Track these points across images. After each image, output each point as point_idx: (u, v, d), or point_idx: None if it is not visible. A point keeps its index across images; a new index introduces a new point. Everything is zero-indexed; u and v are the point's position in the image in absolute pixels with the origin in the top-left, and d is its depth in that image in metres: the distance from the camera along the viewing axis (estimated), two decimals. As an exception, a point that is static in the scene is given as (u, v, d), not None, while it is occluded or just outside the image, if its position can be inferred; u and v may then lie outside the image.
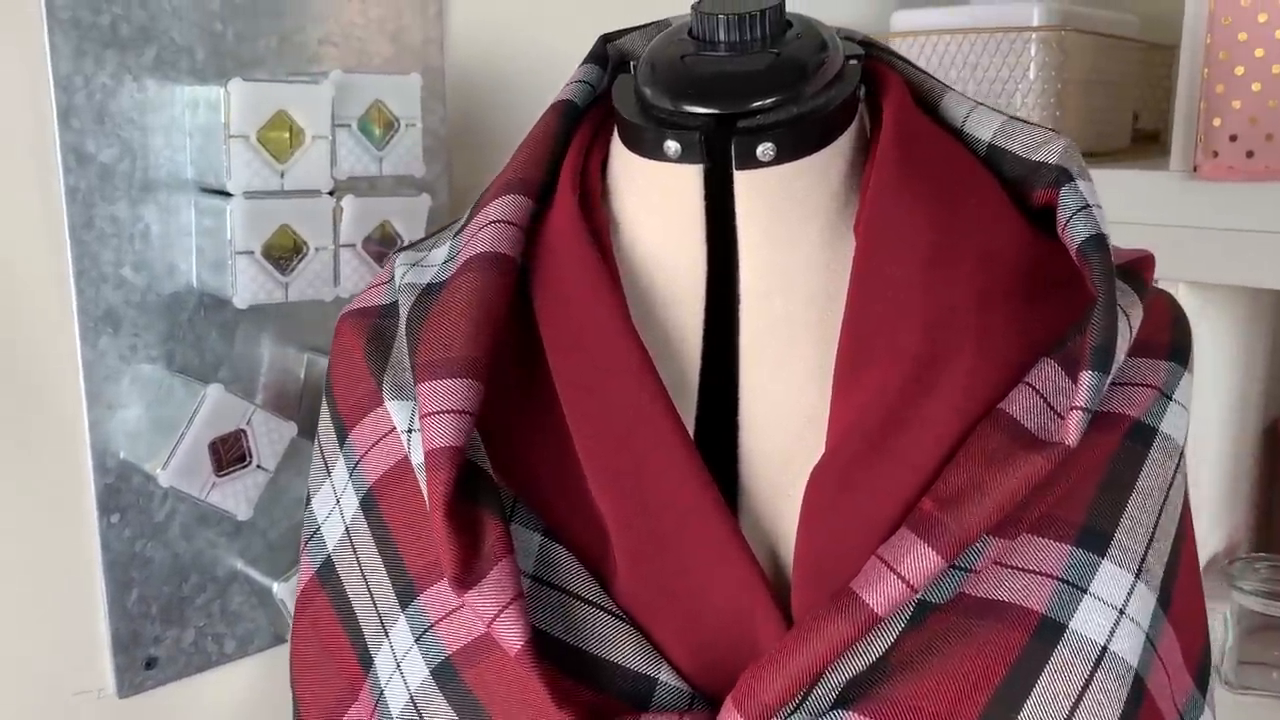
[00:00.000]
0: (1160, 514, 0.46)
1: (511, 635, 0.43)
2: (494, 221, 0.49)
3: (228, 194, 0.70)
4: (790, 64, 0.48)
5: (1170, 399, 0.48)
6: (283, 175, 0.71)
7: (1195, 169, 0.82)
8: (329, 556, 0.54)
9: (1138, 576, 0.45)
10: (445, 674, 0.47)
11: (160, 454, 0.70)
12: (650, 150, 0.49)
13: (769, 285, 0.48)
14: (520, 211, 0.50)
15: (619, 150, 0.51)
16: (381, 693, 0.50)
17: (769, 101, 0.47)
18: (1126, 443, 0.46)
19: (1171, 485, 0.47)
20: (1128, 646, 0.44)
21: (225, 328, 0.76)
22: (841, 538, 0.43)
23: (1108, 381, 0.42)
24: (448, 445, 0.44)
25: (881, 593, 0.41)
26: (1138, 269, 0.49)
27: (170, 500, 0.76)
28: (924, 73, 0.53)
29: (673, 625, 0.45)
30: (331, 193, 0.75)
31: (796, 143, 0.47)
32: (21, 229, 0.68)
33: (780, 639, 0.42)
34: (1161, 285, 0.84)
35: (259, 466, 0.74)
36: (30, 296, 0.69)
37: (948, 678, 0.42)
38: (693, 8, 0.51)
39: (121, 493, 0.73)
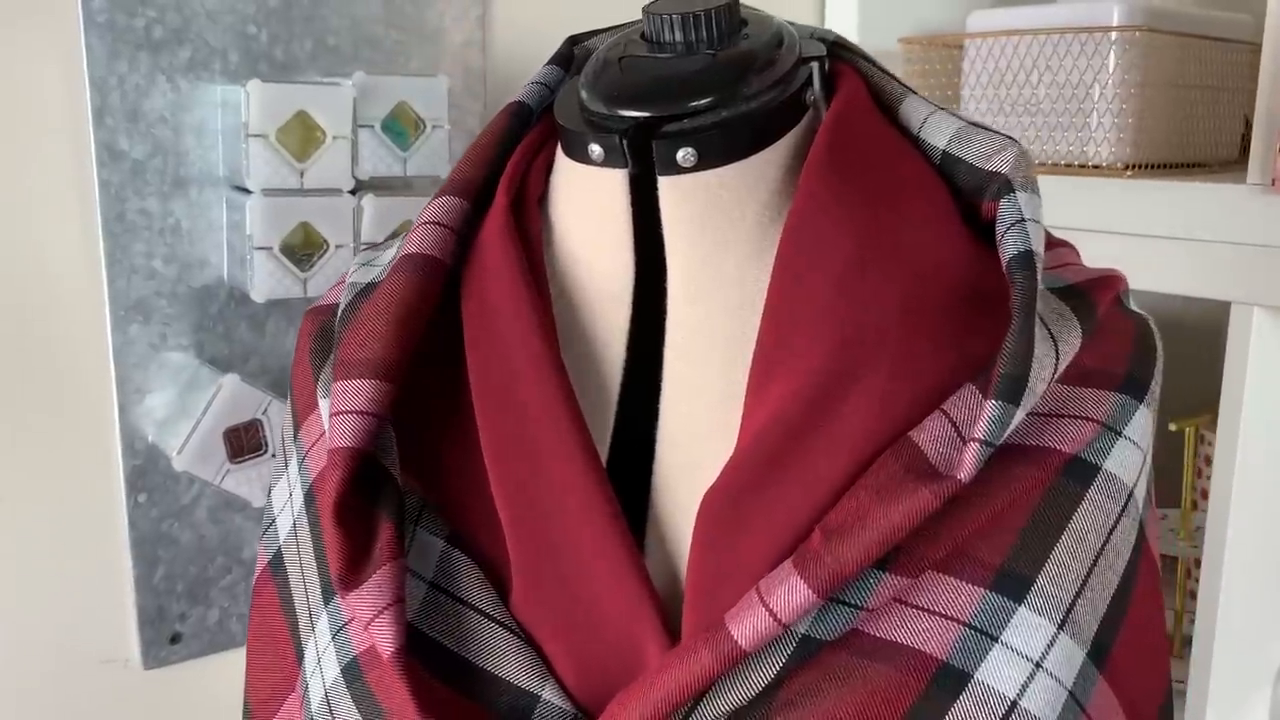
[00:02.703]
0: (1097, 560, 0.42)
1: (384, 640, 0.42)
2: (425, 223, 0.49)
3: (249, 191, 0.73)
4: (726, 66, 0.46)
5: (1120, 435, 0.43)
6: (302, 174, 0.73)
7: (1275, 182, 0.75)
8: (279, 549, 0.55)
9: (1061, 628, 0.41)
10: (352, 673, 0.47)
11: (179, 439, 0.74)
12: (579, 154, 0.48)
13: (693, 294, 0.47)
14: (453, 213, 0.49)
15: (560, 153, 0.50)
16: (307, 686, 0.51)
17: (697, 105, 0.45)
18: (1061, 481, 0.42)
19: (1114, 529, 0.43)
20: (1043, 703, 0.40)
21: (254, 320, 0.79)
22: (732, 562, 0.41)
23: (1017, 413, 0.39)
24: (345, 446, 0.44)
25: (749, 625, 0.39)
26: (1090, 291, 0.45)
27: (197, 484, 0.79)
28: (888, 75, 0.50)
29: (563, 642, 0.44)
30: (353, 192, 0.76)
31: (723, 147, 0.45)
32: (58, 221, 0.72)
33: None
34: (1236, 309, 0.78)
35: (275, 455, 0.76)
36: (65, 285, 0.73)
37: (832, 720, 0.39)
38: (643, 9, 0.49)
39: (149, 474, 0.77)
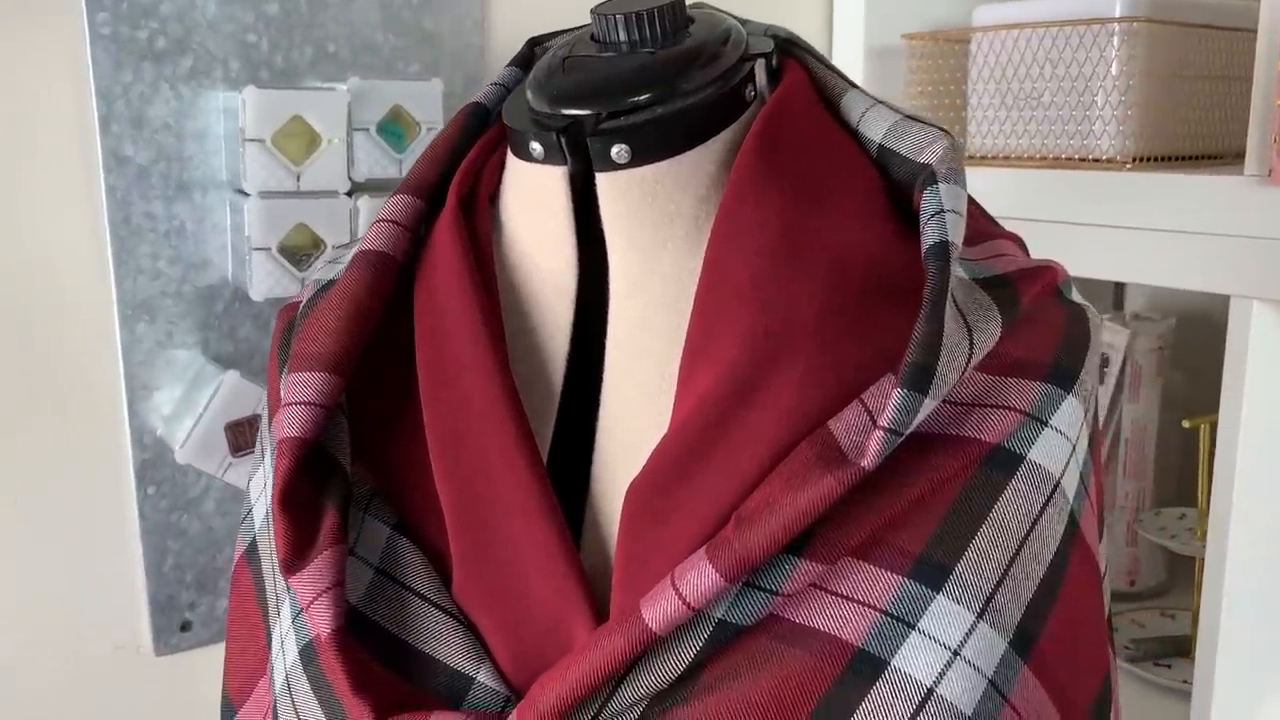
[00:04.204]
0: (1020, 550, 0.42)
1: (321, 622, 0.44)
2: (380, 221, 0.51)
3: (248, 194, 0.75)
4: (665, 63, 0.47)
5: (1045, 425, 0.43)
6: (299, 177, 0.76)
7: (1272, 174, 0.74)
8: (255, 537, 0.57)
9: (981, 617, 0.41)
10: (308, 655, 0.49)
11: (184, 434, 0.76)
12: (522, 152, 0.49)
13: (632, 287, 0.48)
14: (407, 211, 0.51)
15: (510, 152, 0.52)
16: (273, 669, 0.53)
17: (635, 102, 0.46)
18: (984, 470, 0.42)
19: (1039, 519, 0.43)
20: (960, 690, 0.40)
21: (258, 319, 0.82)
22: (656, 549, 0.42)
23: (926, 402, 0.39)
24: (292, 436, 0.46)
25: (660, 609, 0.40)
26: (1016, 281, 0.45)
27: (204, 476, 0.82)
28: (832, 70, 0.51)
29: (498, 626, 0.45)
30: (350, 194, 0.79)
31: (657, 144, 0.46)
32: (67, 225, 0.75)
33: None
34: (1235, 302, 0.76)
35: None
36: (74, 286, 0.76)
37: (748, 705, 0.40)
38: (591, 10, 0.50)
39: (158, 467, 0.80)
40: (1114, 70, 0.87)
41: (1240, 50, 0.91)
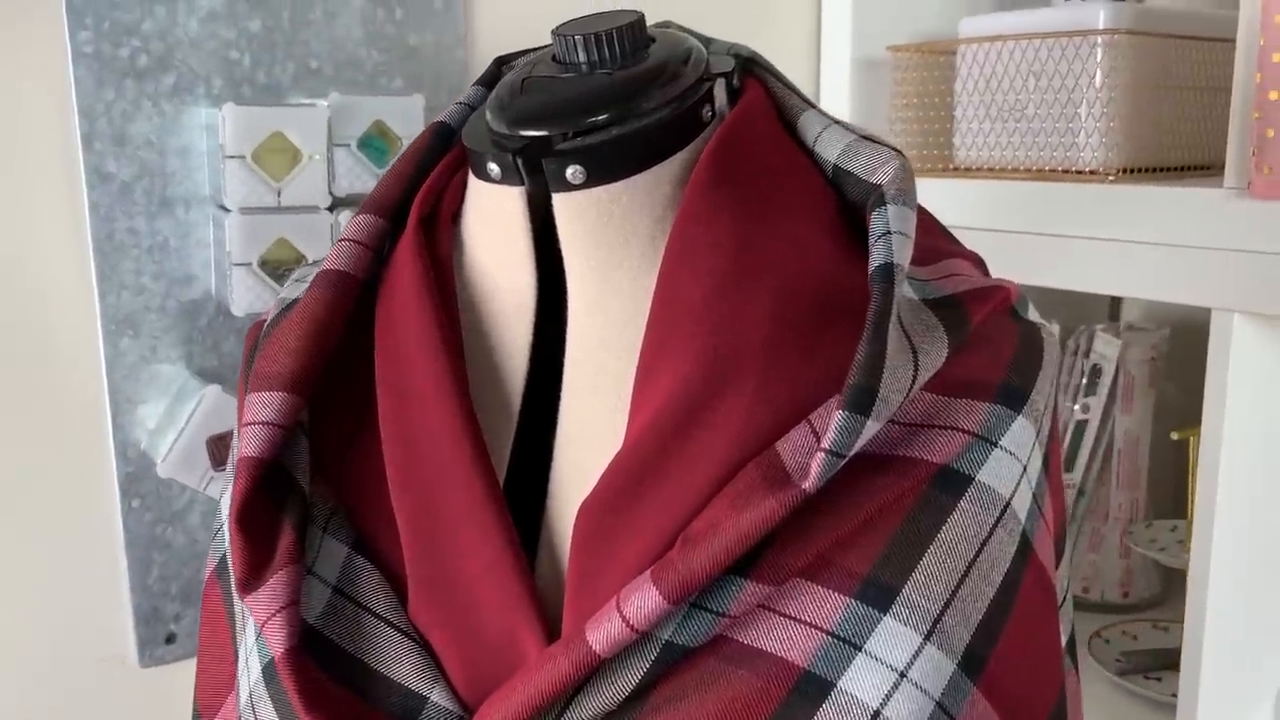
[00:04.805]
0: (968, 571, 0.42)
1: (276, 641, 0.44)
2: (342, 240, 0.51)
3: (229, 210, 0.76)
4: (622, 84, 0.48)
5: (995, 445, 0.43)
6: (279, 192, 0.76)
7: (1250, 186, 0.73)
8: (225, 554, 0.58)
9: (928, 638, 0.41)
10: (270, 674, 0.50)
11: (164, 447, 0.77)
12: (480, 172, 0.49)
13: (589, 306, 0.48)
14: (369, 230, 0.51)
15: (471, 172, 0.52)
16: (238, 684, 0.53)
17: (592, 122, 0.47)
18: (931, 491, 0.42)
19: (988, 540, 0.43)
20: (907, 712, 0.40)
21: (241, 333, 0.82)
22: (607, 569, 0.42)
23: (869, 423, 0.39)
24: (250, 455, 0.47)
25: (604, 632, 0.40)
26: (966, 302, 0.45)
27: (189, 490, 0.82)
28: (791, 90, 0.51)
29: (452, 646, 0.45)
30: (331, 208, 0.79)
31: (613, 164, 0.47)
32: (51, 241, 0.76)
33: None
34: (1216, 315, 0.76)
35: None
36: (58, 301, 0.77)
37: (695, 727, 0.40)
38: (552, 31, 0.51)
39: (142, 480, 0.81)
40: (1097, 82, 0.87)
41: (1224, 61, 0.91)
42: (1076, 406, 1.14)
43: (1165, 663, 1.01)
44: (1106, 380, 1.12)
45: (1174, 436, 0.96)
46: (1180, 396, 1.15)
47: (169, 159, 0.78)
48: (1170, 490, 1.16)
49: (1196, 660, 0.80)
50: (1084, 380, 1.15)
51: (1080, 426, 1.14)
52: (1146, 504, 1.13)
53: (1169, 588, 1.16)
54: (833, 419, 0.39)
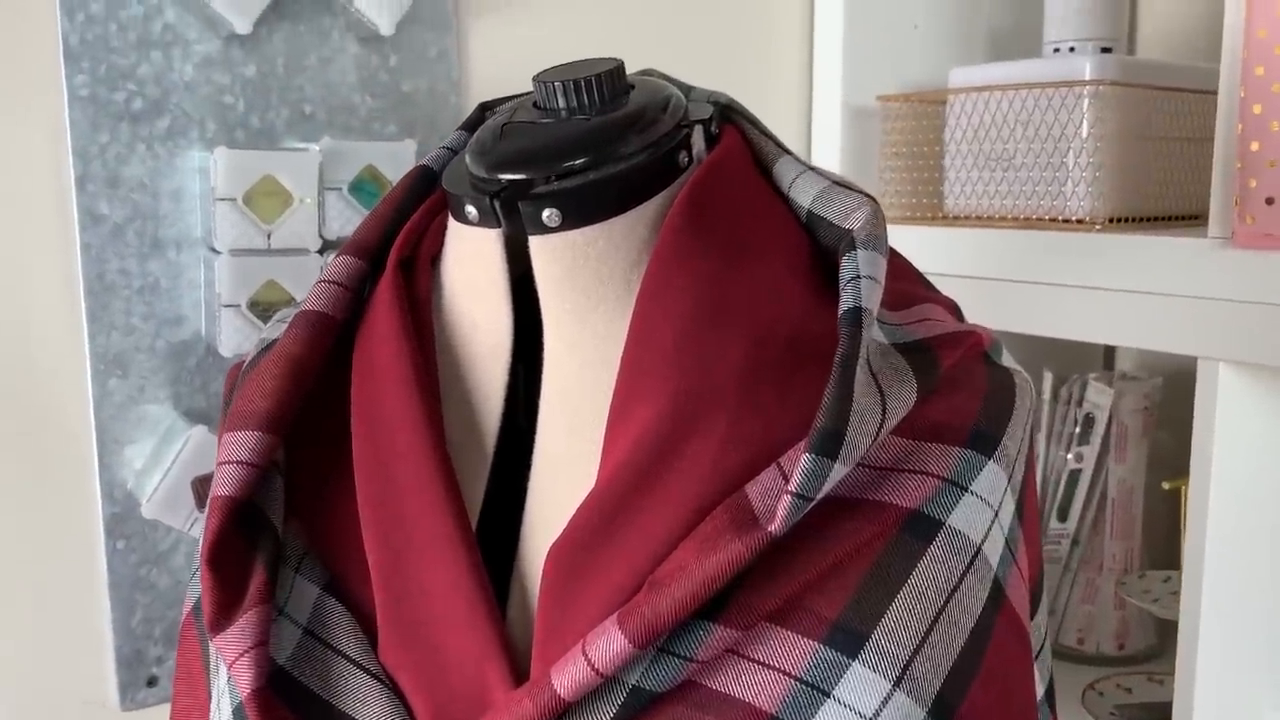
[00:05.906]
0: (939, 617, 0.42)
1: (243, 681, 0.44)
2: (321, 281, 0.52)
3: (219, 252, 0.77)
4: (600, 129, 0.48)
5: (966, 490, 0.43)
6: (269, 235, 0.77)
7: (1234, 236, 0.74)
8: (200, 594, 0.58)
9: (897, 685, 0.41)
10: (240, 715, 0.49)
11: (149, 487, 0.77)
12: (459, 215, 0.50)
13: (566, 349, 0.48)
14: (348, 272, 0.52)
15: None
16: (211, 727, 0.53)
17: (570, 166, 0.47)
18: (901, 536, 0.42)
19: (959, 586, 0.42)
20: (877, 760, 0.40)
21: (230, 374, 0.82)
22: (575, 613, 0.42)
23: (835, 467, 0.39)
24: (223, 494, 0.47)
25: (569, 676, 0.39)
26: (936, 347, 0.45)
27: (174, 531, 0.82)
28: (768, 136, 0.52)
29: (421, 689, 0.45)
30: (321, 251, 0.80)
31: (589, 207, 0.47)
32: (41, 281, 0.77)
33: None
34: (1202, 364, 0.76)
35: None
36: (48, 340, 0.77)
37: (663, 774, 0.40)
38: (533, 77, 0.52)
39: (128, 521, 0.80)
40: (1084, 132, 0.87)
41: (1208, 112, 0.92)
42: (1070, 456, 1.14)
43: (1159, 716, 0.99)
44: (1100, 429, 1.12)
45: (1165, 486, 0.95)
46: (1174, 446, 1.14)
47: (161, 201, 0.79)
48: (1164, 540, 1.15)
49: (1188, 710, 0.79)
50: (1077, 429, 1.14)
51: (1074, 476, 1.14)
52: (1141, 554, 1.13)
53: (1165, 639, 1.14)
54: (798, 462, 0.39)
